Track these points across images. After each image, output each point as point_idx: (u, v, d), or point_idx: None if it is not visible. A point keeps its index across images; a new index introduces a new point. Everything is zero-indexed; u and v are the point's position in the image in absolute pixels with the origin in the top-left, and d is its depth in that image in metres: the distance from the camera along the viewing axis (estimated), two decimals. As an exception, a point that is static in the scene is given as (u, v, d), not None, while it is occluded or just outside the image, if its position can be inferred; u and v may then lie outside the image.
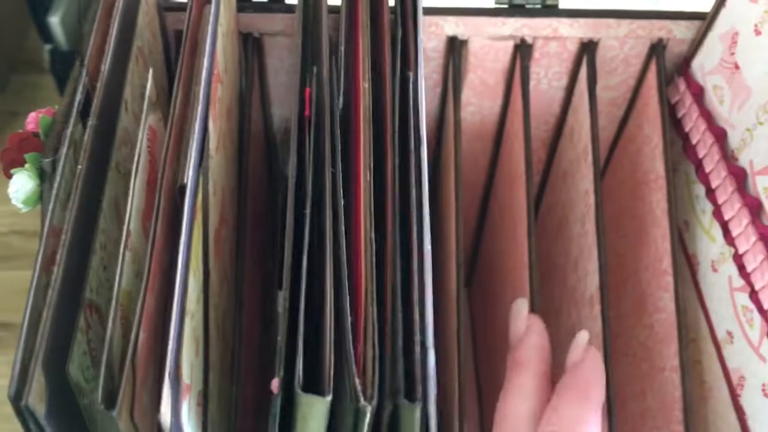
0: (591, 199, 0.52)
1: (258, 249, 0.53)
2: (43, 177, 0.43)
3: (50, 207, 0.30)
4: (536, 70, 0.56)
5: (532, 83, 0.57)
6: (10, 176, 0.44)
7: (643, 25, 0.53)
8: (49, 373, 0.25)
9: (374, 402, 0.25)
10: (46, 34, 0.94)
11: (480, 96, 0.58)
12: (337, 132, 0.33)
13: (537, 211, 0.68)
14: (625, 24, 0.53)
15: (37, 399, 0.25)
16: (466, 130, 0.61)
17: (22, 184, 0.43)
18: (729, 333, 0.48)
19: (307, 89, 0.36)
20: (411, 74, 0.37)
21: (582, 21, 0.53)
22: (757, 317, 0.45)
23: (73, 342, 0.27)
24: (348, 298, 0.27)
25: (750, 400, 0.46)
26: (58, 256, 0.27)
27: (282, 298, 0.30)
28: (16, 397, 0.24)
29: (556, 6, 0.53)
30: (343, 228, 0.30)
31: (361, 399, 0.25)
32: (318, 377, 0.26)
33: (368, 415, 0.25)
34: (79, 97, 0.34)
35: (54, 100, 1.39)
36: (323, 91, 0.35)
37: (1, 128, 1.35)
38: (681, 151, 0.54)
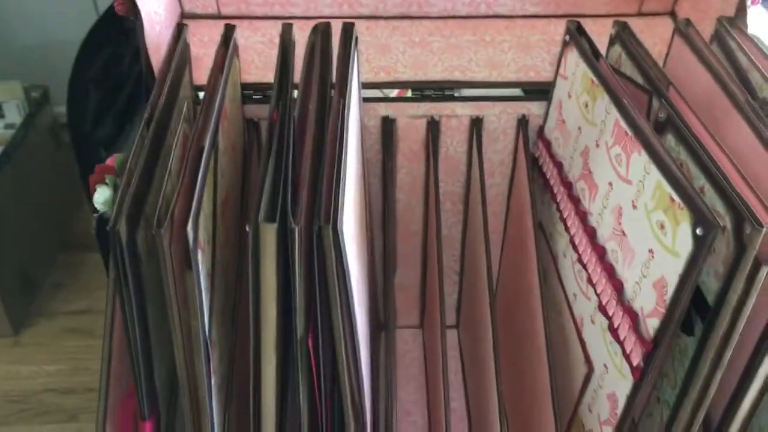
0: (480, 222, 0.77)
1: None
2: (116, 189, 0.68)
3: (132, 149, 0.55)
4: (444, 140, 0.82)
5: (443, 150, 0.83)
6: (94, 191, 0.70)
7: (511, 105, 0.80)
8: (129, 218, 0.49)
9: (301, 224, 0.48)
10: (94, 204, 1.16)
11: (409, 161, 0.84)
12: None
13: (464, 238, 0.92)
14: (499, 105, 0.80)
15: (122, 228, 0.48)
16: (404, 188, 0.87)
17: (102, 193, 0.68)
18: (574, 294, 0.70)
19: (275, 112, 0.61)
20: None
21: (470, 104, 0.80)
22: (582, 271, 0.67)
23: (145, 206, 0.51)
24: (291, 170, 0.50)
25: (588, 333, 0.67)
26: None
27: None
28: (113, 224, 0.48)
29: (452, 95, 0.80)
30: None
31: (292, 223, 0.48)
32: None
33: (297, 235, 0.48)
34: (143, 123, 0.60)
35: (94, 276, 1.58)
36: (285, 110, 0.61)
37: (49, 297, 1.52)
38: (544, 188, 0.79)
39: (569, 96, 0.73)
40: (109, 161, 0.70)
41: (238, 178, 0.69)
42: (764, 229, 0.47)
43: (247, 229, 0.50)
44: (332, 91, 0.68)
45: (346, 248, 0.50)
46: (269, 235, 0.49)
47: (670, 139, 0.59)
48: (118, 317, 0.60)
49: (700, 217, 0.49)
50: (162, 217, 0.48)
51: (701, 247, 0.49)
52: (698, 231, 0.49)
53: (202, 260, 0.52)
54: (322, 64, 0.68)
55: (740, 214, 0.49)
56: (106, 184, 0.68)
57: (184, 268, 0.51)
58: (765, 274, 0.49)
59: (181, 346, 0.53)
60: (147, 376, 0.57)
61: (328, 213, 0.49)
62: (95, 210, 1.26)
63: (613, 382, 0.61)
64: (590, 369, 0.66)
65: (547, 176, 0.77)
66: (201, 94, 0.80)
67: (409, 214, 0.89)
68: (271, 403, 0.57)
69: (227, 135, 0.65)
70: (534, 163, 0.80)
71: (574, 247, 0.69)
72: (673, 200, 0.52)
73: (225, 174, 0.62)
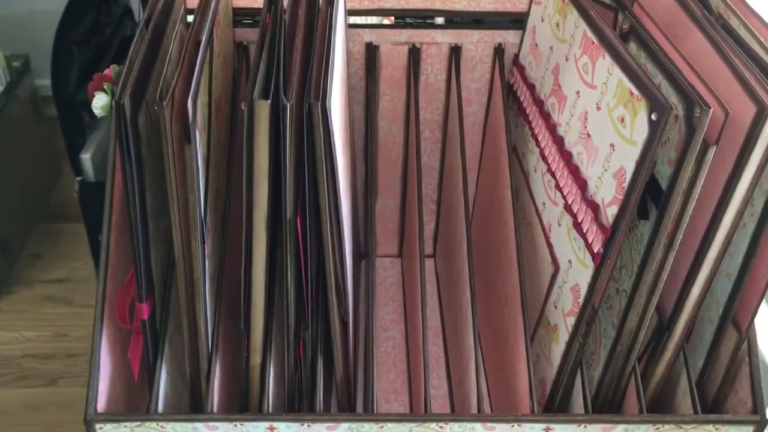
0: (458, 149, 0.81)
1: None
2: (113, 96, 0.72)
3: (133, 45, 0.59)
4: (425, 67, 0.87)
5: (423, 78, 0.87)
6: (93, 97, 0.73)
7: (488, 34, 0.85)
8: (133, 96, 0.53)
9: (292, 101, 0.52)
10: (77, 168, 1.15)
11: (391, 88, 0.88)
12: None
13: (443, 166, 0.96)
14: (476, 33, 0.84)
15: (126, 103, 0.52)
16: (386, 116, 0.91)
17: (100, 98, 0.72)
18: (543, 203, 0.75)
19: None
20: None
21: (449, 31, 0.84)
22: (552, 180, 0.72)
23: (147, 90, 0.55)
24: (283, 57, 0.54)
25: (555, 235, 0.72)
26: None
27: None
28: (118, 100, 0.52)
29: (433, 23, 0.85)
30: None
31: (284, 100, 0.52)
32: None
33: (288, 111, 0.52)
34: (142, 23, 0.63)
35: (71, 246, 1.62)
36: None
37: (27, 266, 1.55)
38: (518, 112, 0.84)
39: (542, 20, 0.77)
40: (107, 71, 0.74)
41: (228, 92, 0.73)
42: (711, 110, 0.52)
43: (242, 107, 0.54)
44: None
45: (333, 126, 0.54)
46: (263, 111, 0.54)
47: (633, 47, 0.64)
48: (117, 208, 0.64)
49: (655, 104, 0.54)
50: (164, 93, 0.53)
51: (655, 130, 0.54)
52: (653, 116, 0.54)
53: (199, 139, 0.56)
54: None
55: (691, 99, 0.54)
56: (104, 91, 0.72)
57: (183, 143, 0.55)
58: (712, 154, 0.55)
59: (178, 223, 0.58)
60: (145, 258, 0.61)
61: (318, 92, 0.53)
62: (79, 173, 1.29)
63: (576, 274, 0.66)
64: (556, 268, 0.71)
65: (521, 100, 0.82)
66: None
67: (390, 141, 0.93)
68: (260, 283, 0.62)
69: (221, 42, 0.69)
70: (509, 90, 0.85)
71: (544, 159, 0.74)
72: (632, 94, 0.57)
73: (218, 77, 0.66)
